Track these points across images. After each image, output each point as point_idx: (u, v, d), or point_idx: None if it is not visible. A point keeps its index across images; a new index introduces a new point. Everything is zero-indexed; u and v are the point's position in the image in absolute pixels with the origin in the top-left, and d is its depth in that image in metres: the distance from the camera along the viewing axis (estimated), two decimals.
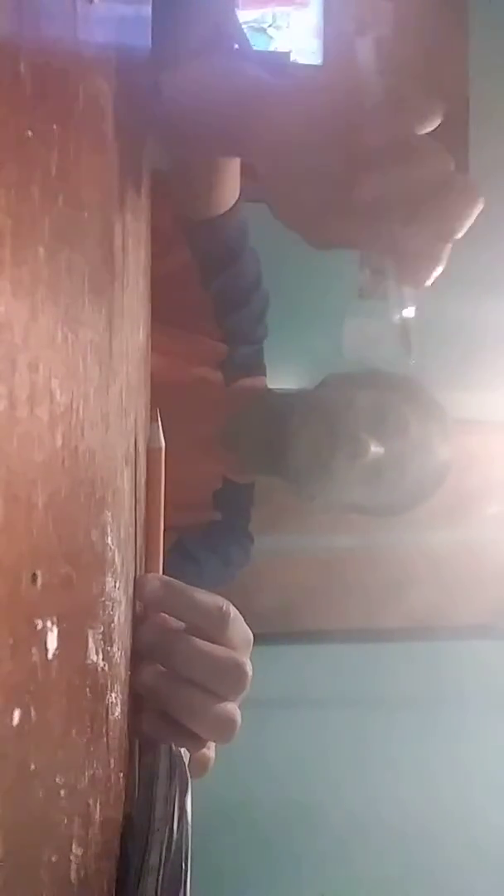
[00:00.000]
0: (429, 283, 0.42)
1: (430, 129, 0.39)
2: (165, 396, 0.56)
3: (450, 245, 0.41)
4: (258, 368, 0.95)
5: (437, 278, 0.42)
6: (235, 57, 0.66)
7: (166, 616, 0.40)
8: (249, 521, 0.98)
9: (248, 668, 0.39)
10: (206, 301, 0.86)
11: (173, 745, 0.37)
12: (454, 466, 0.94)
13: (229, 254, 0.82)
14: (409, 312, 0.43)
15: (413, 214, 0.39)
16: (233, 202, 0.76)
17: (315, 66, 1.82)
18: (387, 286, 0.43)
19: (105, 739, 0.29)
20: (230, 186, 0.73)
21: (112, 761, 0.31)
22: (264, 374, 0.97)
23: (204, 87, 0.54)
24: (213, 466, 0.93)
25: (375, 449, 0.85)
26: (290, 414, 0.88)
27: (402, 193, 0.39)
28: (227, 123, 0.49)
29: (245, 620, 0.40)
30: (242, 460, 0.93)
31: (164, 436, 0.43)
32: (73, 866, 0.24)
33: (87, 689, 0.26)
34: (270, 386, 0.97)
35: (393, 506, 0.94)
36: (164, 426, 0.43)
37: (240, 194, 0.76)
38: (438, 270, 0.42)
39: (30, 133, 0.19)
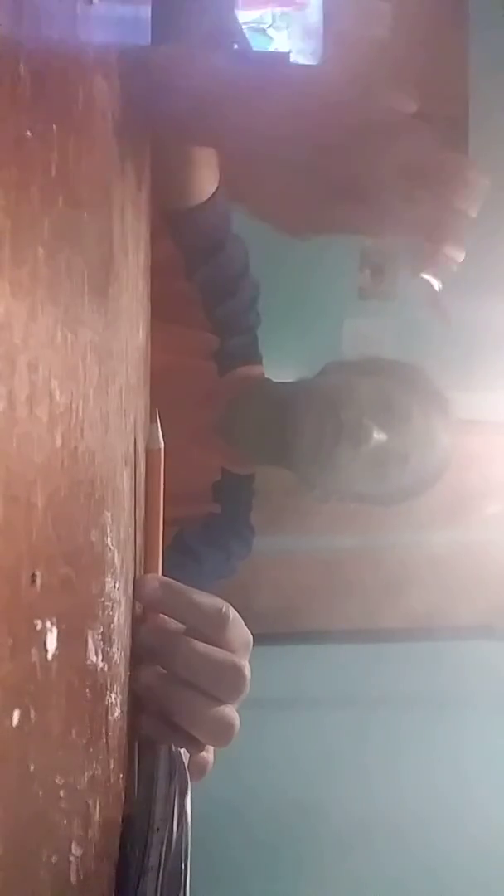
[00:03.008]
0: (449, 261, 0.42)
1: (401, 110, 0.39)
2: (159, 388, 0.56)
3: (460, 222, 0.41)
4: (253, 357, 0.95)
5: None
6: (234, 55, 0.66)
7: (165, 617, 0.40)
8: (250, 512, 0.98)
9: (247, 671, 0.39)
10: (194, 292, 0.85)
11: (173, 746, 0.37)
12: (455, 466, 0.94)
13: (212, 243, 0.81)
14: (436, 284, 0.43)
15: (408, 192, 0.39)
16: (211, 191, 0.75)
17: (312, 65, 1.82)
18: (400, 269, 0.44)
19: (104, 740, 0.29)
20: (206, 175, 0.72)
21: (111, 762, 0.31)
22: (260, 363, 0.96)
23: (178, 74, 0.54)
24: (212, 458, 0.93)
25: (378, 436, 0.84)
26: (291, 401, 0.88)
27: (389, 171, 0.39)
28: (200, 111, 0.49)
29: (245, 620, 0.40)
30: (242, 450, 0.93)
31: (161, 429, 0.43)
32: (73, 867, 0.24)
33: (87, 690, 0.26)
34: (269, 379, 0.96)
35: (395, 494, 0.93)
36: (160, 419, 0.43)
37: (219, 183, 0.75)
38: (454, 250, 0.42)
39: (29, 133, 0.19)
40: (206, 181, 0.73)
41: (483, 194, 0.41)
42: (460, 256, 0.42)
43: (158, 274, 0.70)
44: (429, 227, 0.40)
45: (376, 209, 0.40)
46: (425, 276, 0.43)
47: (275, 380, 0.96)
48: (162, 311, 0.78)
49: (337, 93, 0.41)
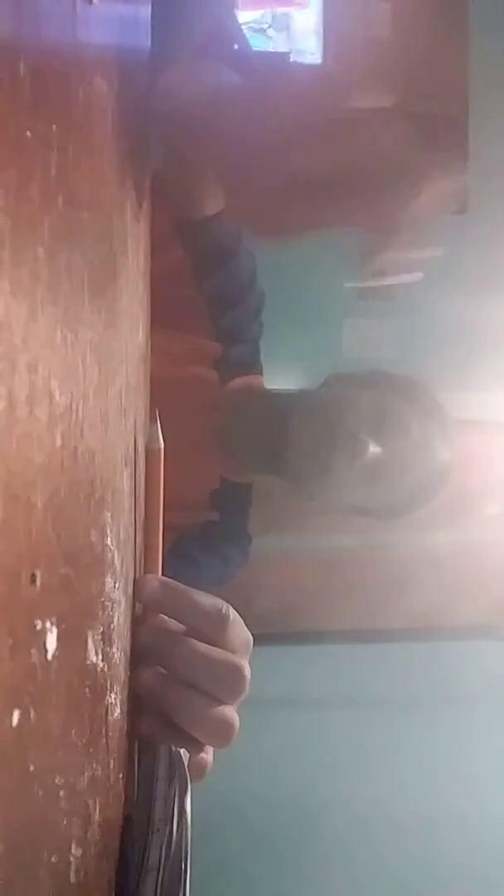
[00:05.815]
0: (392, 261, 0.42)
1: (362, 104, 0.39)
2: (160, 395, 0.56)
3: (408, 223, 0.40)
4: (254, 367, 0.95)
5: (437, 279, 0.42)
6: (234, 57, 0.66)
7: (165, 617, 0.40)
8: (248, 521, 0.98)
9: (247, 671, 0.39)
10: (200, 300, 0.86)
11: (173, 746, 0.37)
12: (455, 467, 0.94)
13: (224, 253, 0.82)
14: (407, 278, 0.43)
15: (374, 187, 0.39)
16: (224, 202, 0.75)
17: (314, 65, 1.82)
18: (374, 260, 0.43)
19: (104, 740, 0.29)
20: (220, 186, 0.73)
21: (111, 762, 0.31)
22: (261, 373, 0.96)
23: (189, 87, 0.54)
24: (210, 466, 0.93)
25: (374, 449, 0.84)
26: (289, 413, 0.88)
27: (353, 165, 0.39)
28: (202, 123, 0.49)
29: (245, 621, 0.40)
30: (240, 460, 0.93)
31: (161, 432, 0.43)
32: (73, 867, 0.24)
33: (87, 690, 0.26)
34: (271, 387, 0.97)
35: (393, 507, 0.94)
36: (160, 426, 0.43)
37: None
38: (399, 249, 0.41)
39: (29, 133, 0.19)
40: (219, 192, 0.73)
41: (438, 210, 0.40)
42: (404, 259, 0.42)
43: (167, 281, 0.71)
44: (383, 223, 0.40)
45: (349, 204, 0.40)
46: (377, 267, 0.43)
47: (275, 388, 0.96)
48: (167, 317, 0.79)
49: (308, 90, 0.40)
